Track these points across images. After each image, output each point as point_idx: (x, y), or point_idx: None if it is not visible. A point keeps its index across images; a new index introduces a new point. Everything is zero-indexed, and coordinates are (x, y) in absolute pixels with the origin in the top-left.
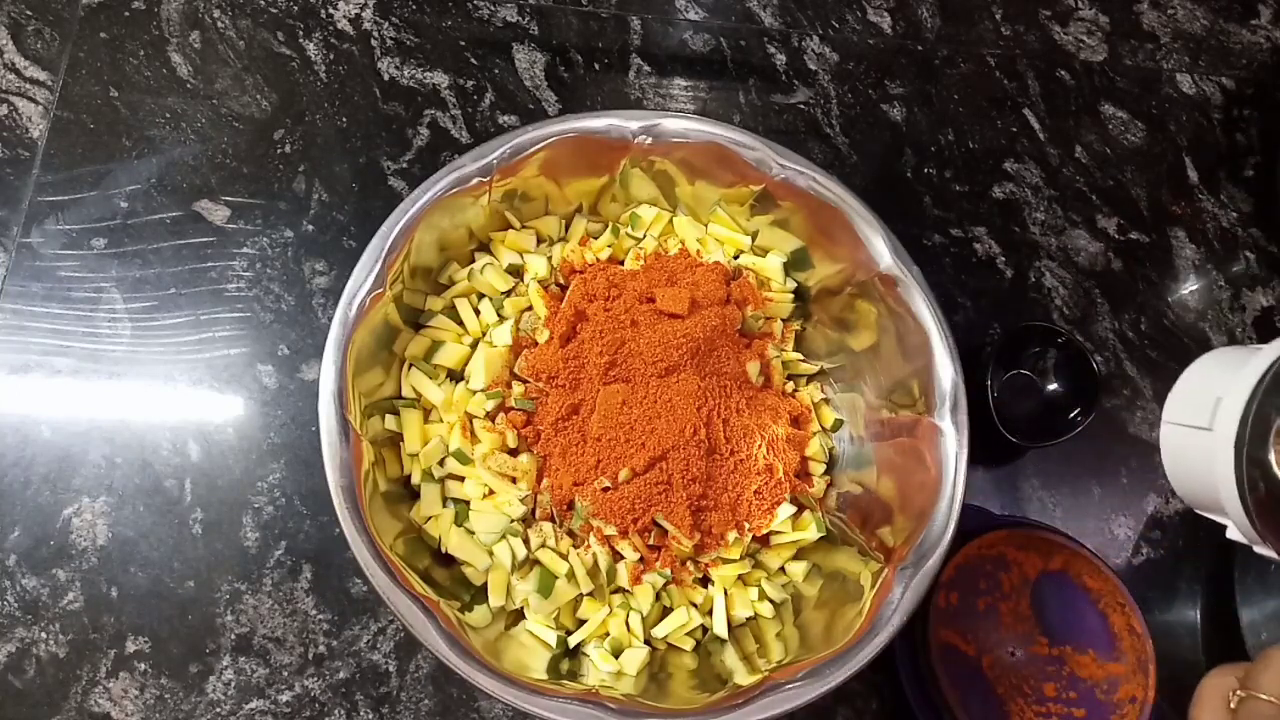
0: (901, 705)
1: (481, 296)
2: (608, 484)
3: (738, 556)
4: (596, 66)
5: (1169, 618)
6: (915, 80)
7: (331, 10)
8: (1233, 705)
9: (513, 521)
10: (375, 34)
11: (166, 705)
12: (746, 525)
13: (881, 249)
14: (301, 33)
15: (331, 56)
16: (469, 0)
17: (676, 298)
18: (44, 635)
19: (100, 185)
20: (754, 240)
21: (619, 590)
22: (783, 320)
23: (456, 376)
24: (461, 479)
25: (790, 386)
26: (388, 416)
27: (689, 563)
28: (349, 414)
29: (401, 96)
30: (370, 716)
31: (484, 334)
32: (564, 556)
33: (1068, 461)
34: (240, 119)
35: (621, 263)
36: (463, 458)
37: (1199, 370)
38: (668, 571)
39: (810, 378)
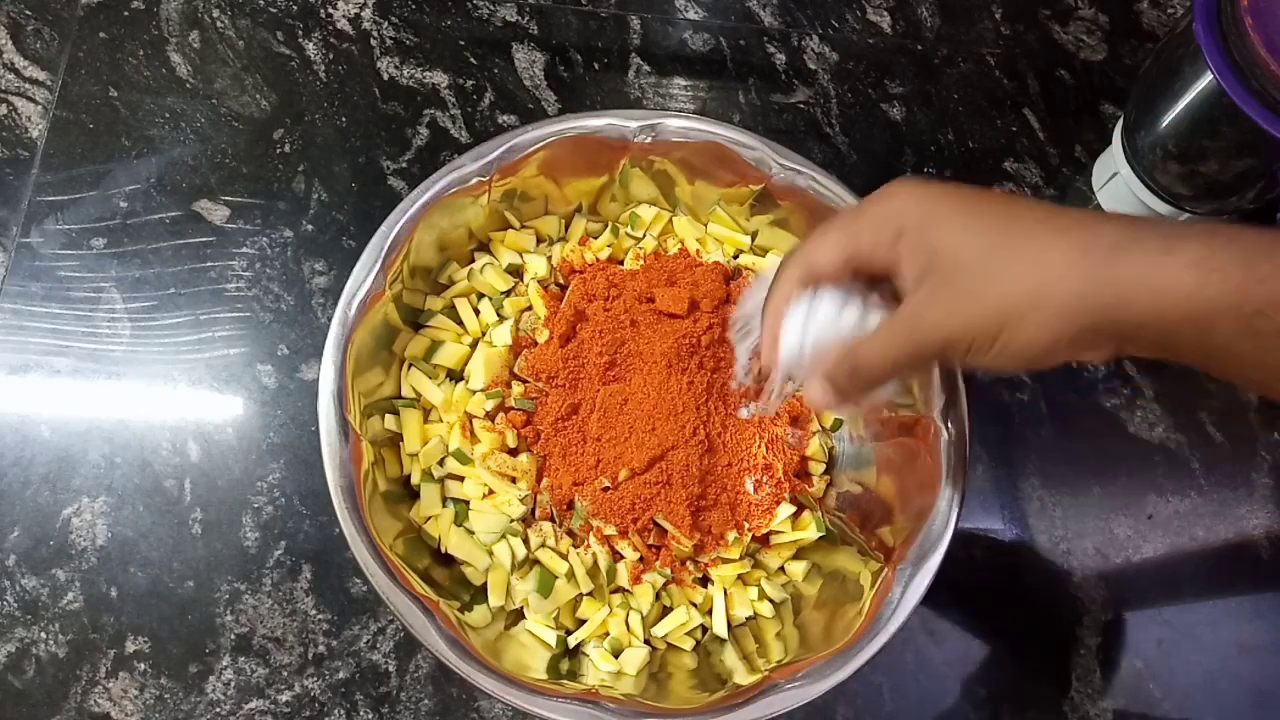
0: (902, 706)
1: (481, 296)
2: (607, 484)
3: (737, 556)
4: (596, 66)
5: None
6: (915, 80)
7: (331, 10)
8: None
9: (513, 521)
10: (375, 34)
11: (166, 705)
12: (746, 525)
13: None
14: (301, 32)
15: (331, 56)
16: (468, 0)
17: (676, 298)
18: (44, 635)
19: (100, 185)
20: (754, 240)
21: (619, 590)
22: None
23: (456, 376)
24: (461, 479)
25: (792, 387)
26: (387, 416)
27: (689, 562)
28: (349, 414)
29: (401, 96)
30: (370, 716)
31: (484, 334)
32: (564, 556)
33: (1068, 461)
34: (240, 119)
35: (621, 263)
36: (462, 458)
37: None
38: (668, 571)
39: None
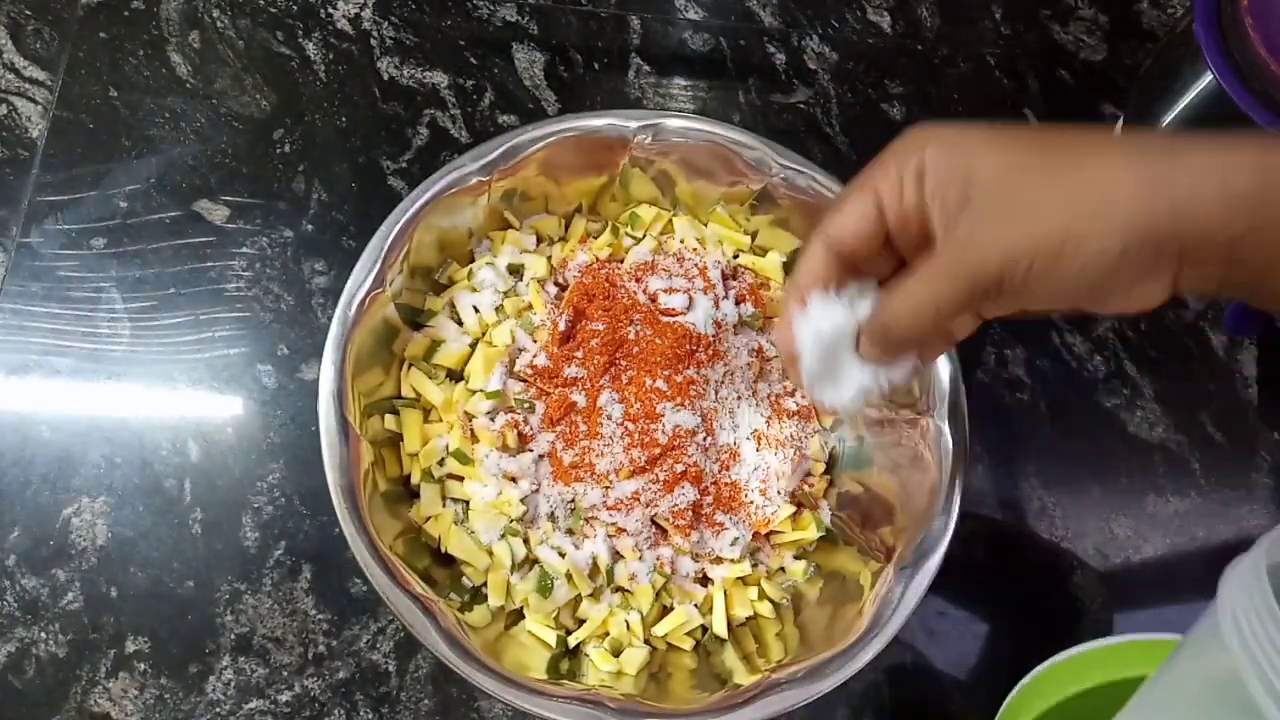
0: (902, 707)
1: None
2: (607, 484)
3: (737, 556)
4: (596, 66)
5: None
6: (915, 80)
7: (331, 10)
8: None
9: (512, 521)
10: (375, 34)
11: (166, 705)
12: (746, 524)
13: None
14: (301, 32)
15: (331, 56)
16: (468, 0)
17: (676, 297)
18: (44, 635)
19: (100, 185)
20: (754, 240)
21: (619, 590)
22: None
23: (456, 376)
24: (461, 479)
25: (790, 386)
26: (387, 416)
27: (689, 562)
28: (349, 414)
29: (401, 96)
30: (370, 716)
31: (484, 334)
32: (563, 556)
33: (1068, 461)
34: (239, 119)
35: (621, 262)
36: (462, 458)
37: None
38: (667, 571)
39: None
